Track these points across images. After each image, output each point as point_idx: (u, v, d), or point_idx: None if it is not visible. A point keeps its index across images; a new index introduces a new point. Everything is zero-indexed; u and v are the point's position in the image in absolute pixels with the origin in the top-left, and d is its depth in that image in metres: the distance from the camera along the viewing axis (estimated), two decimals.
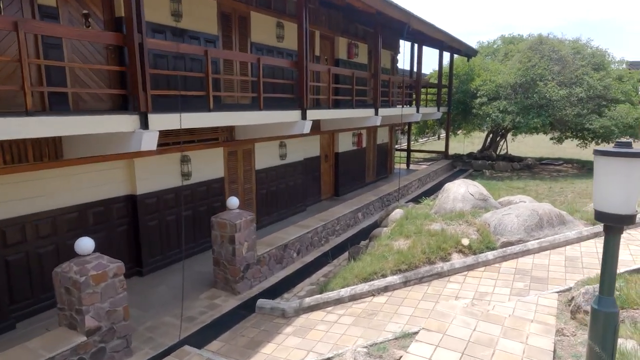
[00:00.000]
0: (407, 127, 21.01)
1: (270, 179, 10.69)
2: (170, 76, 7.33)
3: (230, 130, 9.18)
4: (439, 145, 29.05)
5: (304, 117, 8.59)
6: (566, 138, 20.34)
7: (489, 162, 19.75)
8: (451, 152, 22.98)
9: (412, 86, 16.19)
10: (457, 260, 6.91)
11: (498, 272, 6.60)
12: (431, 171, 16.97)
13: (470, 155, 21.92)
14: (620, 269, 6.05)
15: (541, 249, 7.18)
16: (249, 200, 10.03)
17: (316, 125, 12.39)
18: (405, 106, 14.53)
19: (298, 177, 11.69)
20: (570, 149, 25.40)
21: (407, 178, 15.16)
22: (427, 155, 24.95)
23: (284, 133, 8.78)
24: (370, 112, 11.66)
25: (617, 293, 4.51)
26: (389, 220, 9.17)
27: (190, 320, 6.12)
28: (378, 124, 11.96)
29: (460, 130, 25.08)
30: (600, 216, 2.53)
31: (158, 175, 7.76)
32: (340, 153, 13.98)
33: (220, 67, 8.67)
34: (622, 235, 7.54)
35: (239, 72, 9.13)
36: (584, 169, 19.37)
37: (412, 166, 20.71)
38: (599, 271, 6.60)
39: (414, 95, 16.74)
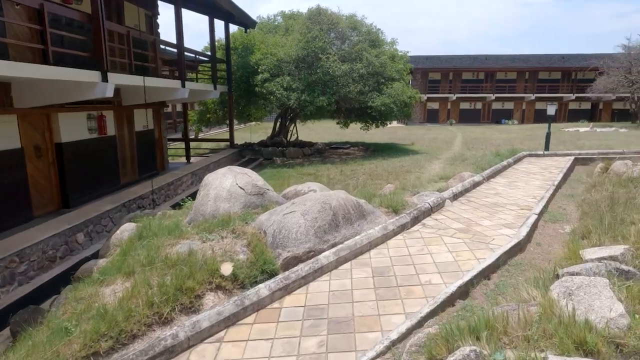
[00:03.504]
0: (183, 111, 17.29)
1: None
2: None
3: None
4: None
5: None
6: (351, 122, 20.17)
7: (280, 148, 17.85)
8: (241, 141, 20.42)
9: (178, 54, 12.50)
10: (207, 312, 3.81)
11: (277, 320, 3.79)
12: (212, 162, 13.77)
13: (261, 143, 19.74)
14: (456, 281, 3.99)
15: (339, 262, 4.74)
16: None
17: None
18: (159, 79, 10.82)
19: None
20: (355, 133, 26.19)
21: (176, 174, 11.57)
22: (215, 146, 21.73)
23: None
24: (90, 75, 7.56)
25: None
26: (111, 243, 5.50)
27: None
28: (109, 95, 7.96)
29: (254, 121, 22.82)
30: None
31: None
32: (66, 144, 9.35)
33: None
34: (427, 223, 5.52)
35: None
36: (369, 150, 19.42)
37: (196, 159, 17.14)
38: (426, 295, 3.15)
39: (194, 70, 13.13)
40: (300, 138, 21.64)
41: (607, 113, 38.95)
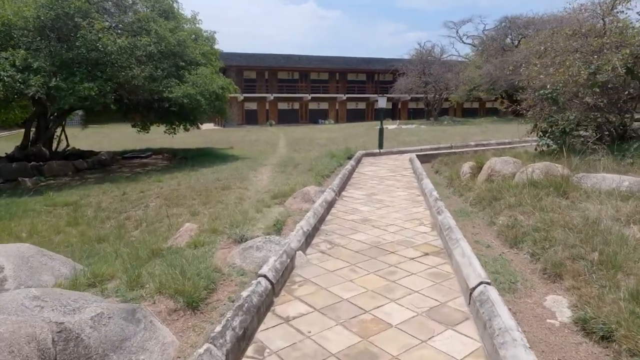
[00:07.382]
0: None
1: None
2: None
3: None
4: None
5: None
6: (152, 124, 15.50)
7: (35, 163, 12.00)
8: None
9: None
10: None
11: None
12: None
13: (10, 157, 13.29)
14: None
15: None
16: None
17: None
18: None
19: None
20: (162, 138, 21.22)
21: None
22: None
23: None
24: None
25: None
26: None
27: None
28: None
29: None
30: None
31: None
32: None
33: None
34: (271, 347, 2.01)
35: None
36: (176, 158, 15.13)
37: None
38: None
39: None
40: (76, 145, 15.72)
41: (405, 111, 42.99)
